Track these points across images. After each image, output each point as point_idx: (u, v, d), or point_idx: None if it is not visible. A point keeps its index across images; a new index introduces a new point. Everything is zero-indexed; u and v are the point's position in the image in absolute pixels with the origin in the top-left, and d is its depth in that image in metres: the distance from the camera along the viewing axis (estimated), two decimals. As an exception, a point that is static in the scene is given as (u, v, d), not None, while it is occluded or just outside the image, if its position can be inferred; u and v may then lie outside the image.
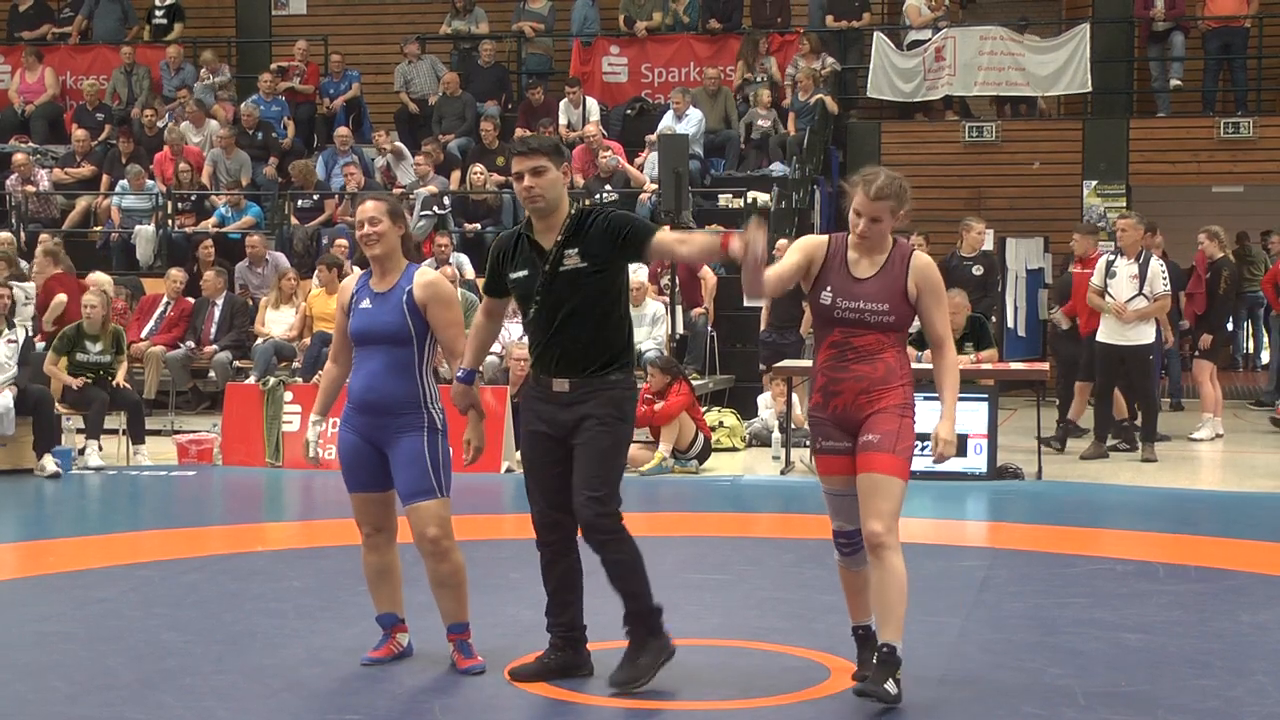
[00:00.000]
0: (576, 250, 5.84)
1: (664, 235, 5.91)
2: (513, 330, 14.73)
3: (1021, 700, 5.85)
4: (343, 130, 19.35)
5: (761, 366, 14.92)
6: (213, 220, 18.34)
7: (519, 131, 19.25)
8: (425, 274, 6.24)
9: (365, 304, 6.21)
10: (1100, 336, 13.40)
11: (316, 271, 15.91)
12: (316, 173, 18.72)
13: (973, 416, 12.03)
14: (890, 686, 5.56)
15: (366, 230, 6.15)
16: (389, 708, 5.82)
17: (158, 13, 22.19)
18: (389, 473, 6.24)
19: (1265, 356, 22.17)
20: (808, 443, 13.29)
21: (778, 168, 18.31)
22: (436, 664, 6.41)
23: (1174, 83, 19.87)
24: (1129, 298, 13.12)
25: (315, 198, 18.31)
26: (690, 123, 18.16)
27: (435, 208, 17.52)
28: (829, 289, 5.81)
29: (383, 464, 6.23)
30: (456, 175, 18.47)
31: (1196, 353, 15.25)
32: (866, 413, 5.70)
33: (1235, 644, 6.79)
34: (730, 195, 17.75)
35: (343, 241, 16.80)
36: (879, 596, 5.62)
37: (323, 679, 6.20)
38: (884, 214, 5.79)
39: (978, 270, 14.38)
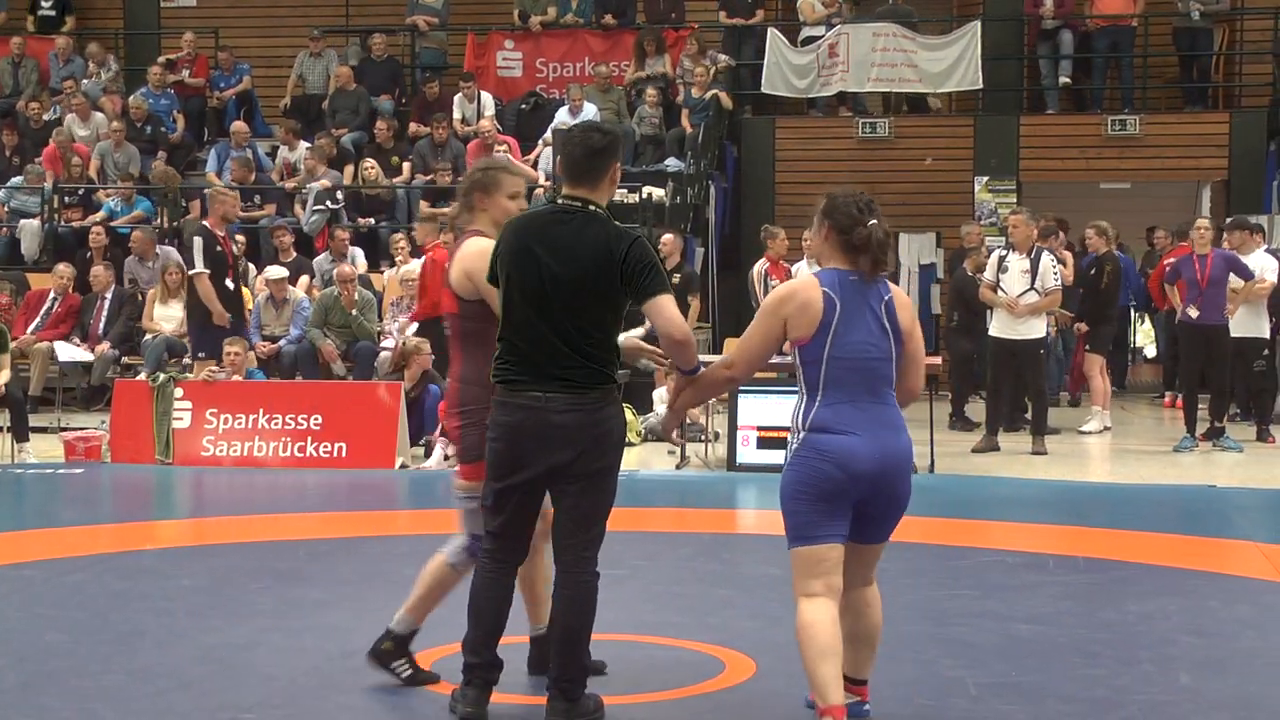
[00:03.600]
0: None
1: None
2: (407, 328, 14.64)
3: (914, 692, 5.88)
4: (240, 124, 19.11)
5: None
6: (101, 214, 18.04)
7: (413, 126, 19.18)
8: None
9: None
10: (992, 331, 13.55)
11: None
12: (204, 168, 18.51)
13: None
14: None
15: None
16: (281, 707, 5.74)
17: (45, 4, 21.80)
18: None
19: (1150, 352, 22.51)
20: (702, 436, 13.35)
21: (673, 163, 18.32)
22: (331, 661, 6.34)
23: (1063, 80, 20.13)
24: (1020, 292, 13.27)
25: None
26: (585, 118, 18.11)
27: (328, 202, 17.38)
28: None
29: None
30: (350, 170, 18.30)
31: (1087, 347, 15.45)
32: None
33: (1123, 633, 6.86)
34: (625, 190, 17.72)
35: (237, 237, 16.57)
36: None
37: (213, 678, 6.09)
38: None
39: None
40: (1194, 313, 13.51)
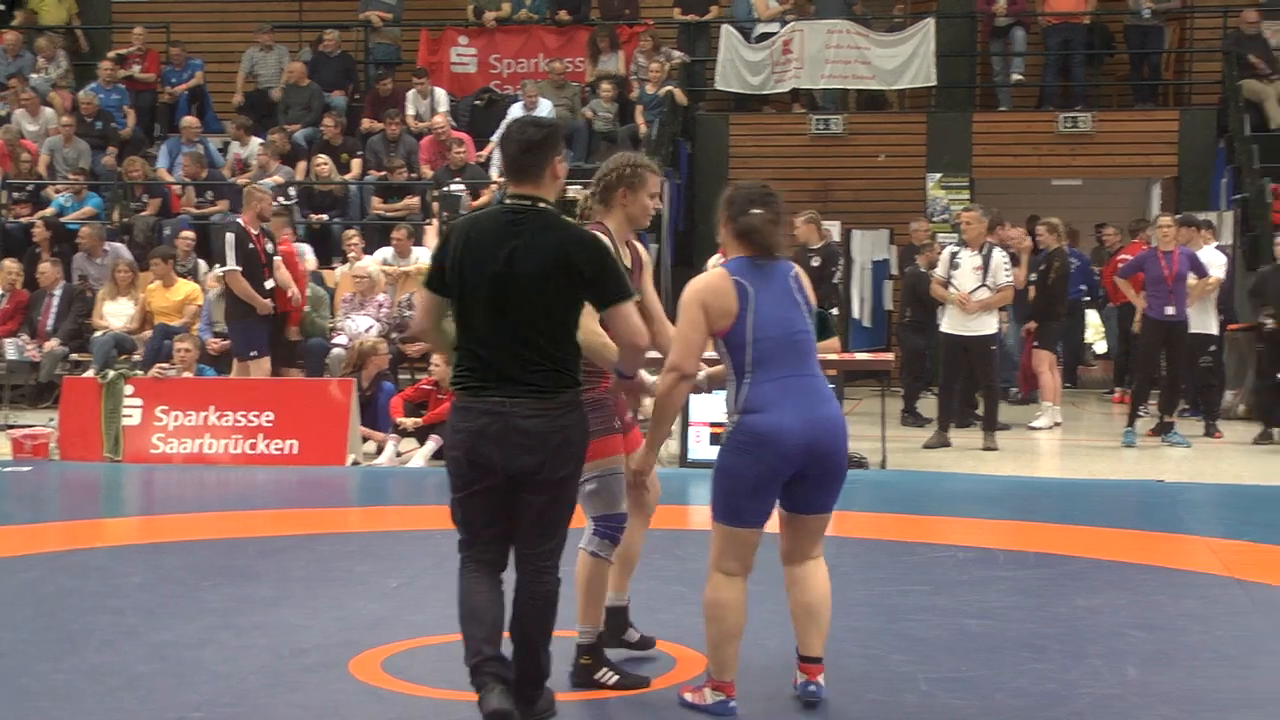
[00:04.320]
0: None
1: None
2: (359, 322, 14.60)
3: (865, 687, 5.90)
4: (190, 119, 18.99)
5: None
6: (50, 210, 17.91)
7: (365, 122, 19.11)
8: None
9: None
10: (944, 327, 13.60)
11: (151, 264, 15.60)
12: (155, 163, 18.39)
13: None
14: None
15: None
16: (231, 705, 5.71)
17: (-7, -1, 21.67)
18: None
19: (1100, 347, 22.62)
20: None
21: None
22: (281, 659, 6.31)
23: (1015, 77, 20.23)
24: (972, 289, 13.33)
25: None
26: (540, 114, 18.09)
27: (280, 198, 17.26)
28: None
29: None
30: (303, 166, 18.22)
31: (1035, 343, 15.52)
32: None
33: (1072, 628, 6.91)
34: (580, 186, 17.60)
35: (188, 233, 16.50)
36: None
37: (162, 676, 6.06)
38: None
39: (815, 262, 14.48)
40: (1171, 310, 13.55)
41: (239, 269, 13.07)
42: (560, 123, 5.48)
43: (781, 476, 5.37)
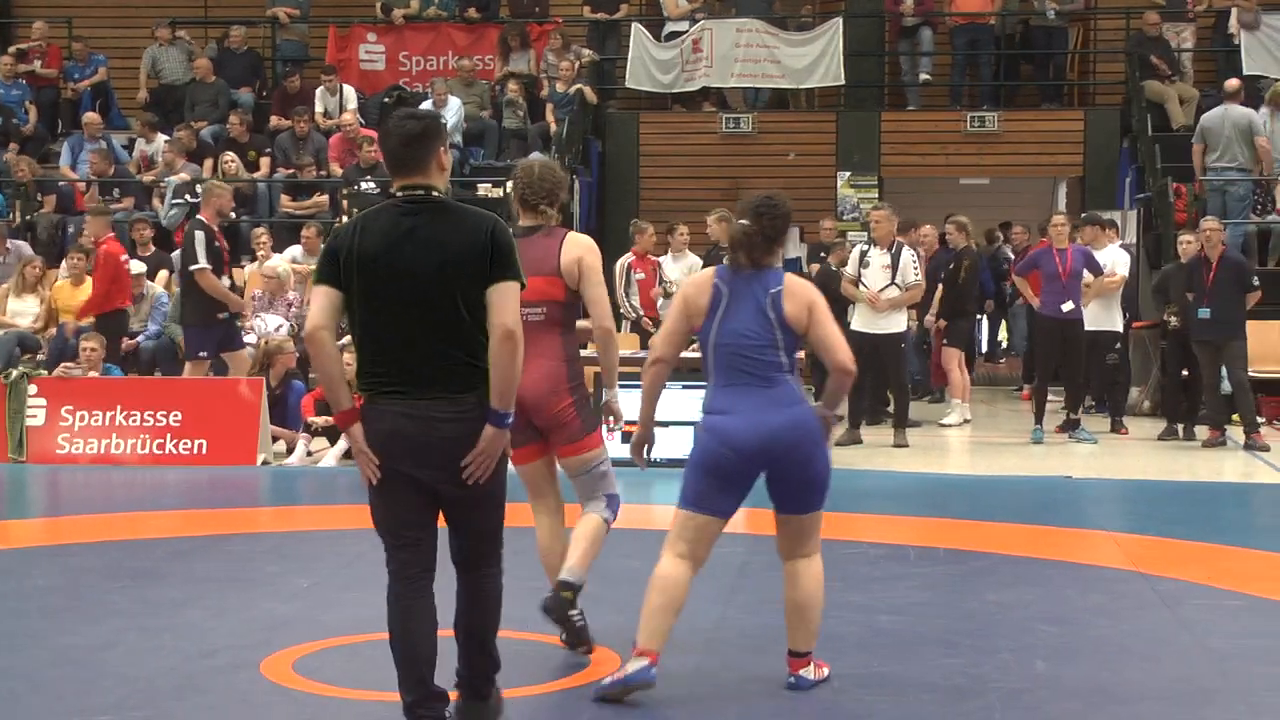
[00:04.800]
0: None
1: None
2: (269, 321, 14.47)
3: (779, 684, 5.90)
4: (92, 115, 18.73)
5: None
6: (-50, 207, 17.63)
7: (274, 120, 18.93)
8: None
9: None
10: (854, 325, 13.65)
11: (68, 261, 15.34)
12: (59, 160, 18.13)
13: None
14: None
15: None
16: (140, 708, 5.63)
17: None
18: None
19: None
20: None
21: (537, 158, 18.20)
22: (189, 660, 6.24)
23: (923, 77, 20.36)
24: (882, 287, 13.41)
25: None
26: (450, 112, 18.00)
27: (187, 196, 17.07)
28: None
29: None
30: (209, 163, 18.02)
31: (945, 341, 15.65)
32: None
33: (982, 623, 6.97)
34: (490, 185, 17.64)
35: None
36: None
37: (68, 680, 5.96)
38: None
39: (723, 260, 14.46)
40: (1067, 306, 13.66)
41: (209, 267, 12.92)
42: (438, 115, 5.40)
43: (740, 475, 5.67)
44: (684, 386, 12.32)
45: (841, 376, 5.78)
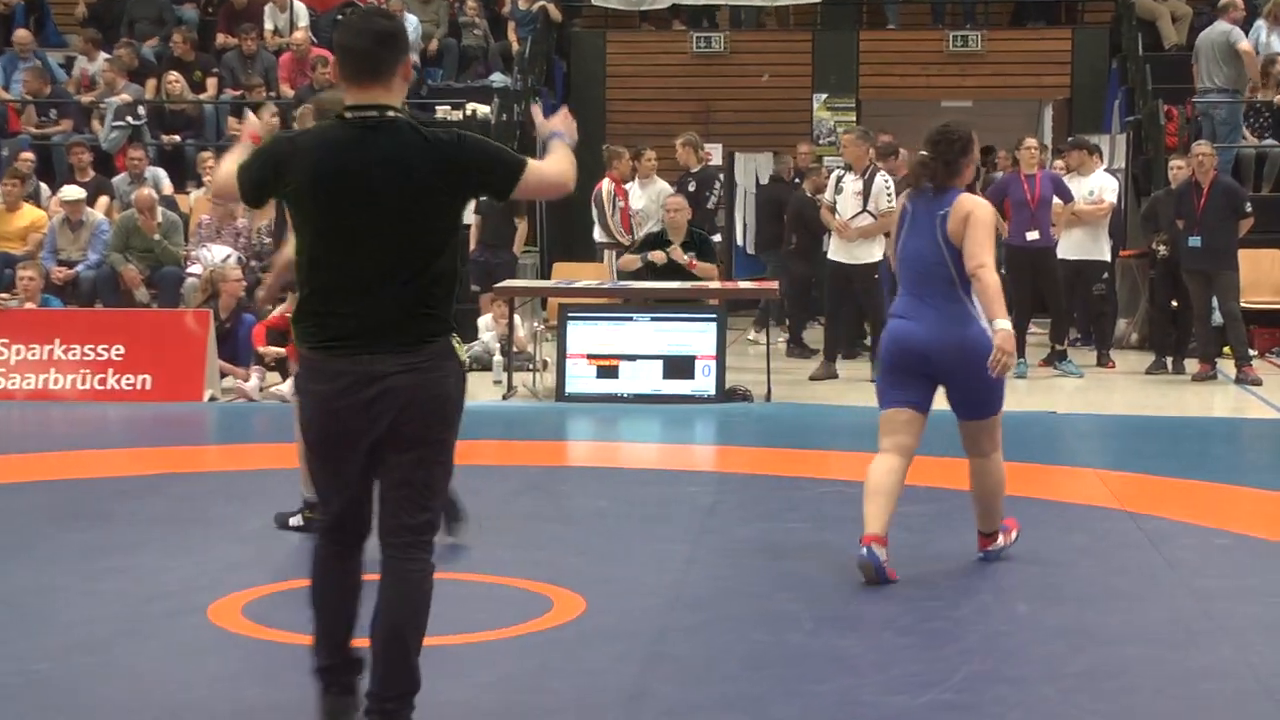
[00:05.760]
0: None
1: None
2: (216, 251, 13.82)
3: (750, 626, 5.82)
4: (22, 32, 17.94)
5: (475, 288, 14.20)
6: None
7: (220, 38, 18.19)
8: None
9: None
10: (830, 255, 13.15)
11: (0, 186, 14.61)
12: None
13: (701, 337, 11.85)
14: None
15: None
16: (84, 655, 5.38)
17: None
18: None
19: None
20: (530, 365, 12.73)
21: (498, 79, 17.74)
22: (134, 605, 6.01)
23: (903, -7, 19.96)
24: (853, 215, 12.78)
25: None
26: (407, 29, 17.26)
27: (129, 118, 16.37)
28: None
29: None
30: (153, 84, 17.27)
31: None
32: None
33: (961, 564, 6.85)
34: (449, 107, 16.98)
35: (27, 155, 15.54)
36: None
37: (9, 626, 5.74)
38: None
39: (691, 186, 13.92)
40: (1034, 235, 13.22)
41: None
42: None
43: (912, 370, 6.40)
44: (652, 318, 11.94)
45: (978, 286, 6.22)
